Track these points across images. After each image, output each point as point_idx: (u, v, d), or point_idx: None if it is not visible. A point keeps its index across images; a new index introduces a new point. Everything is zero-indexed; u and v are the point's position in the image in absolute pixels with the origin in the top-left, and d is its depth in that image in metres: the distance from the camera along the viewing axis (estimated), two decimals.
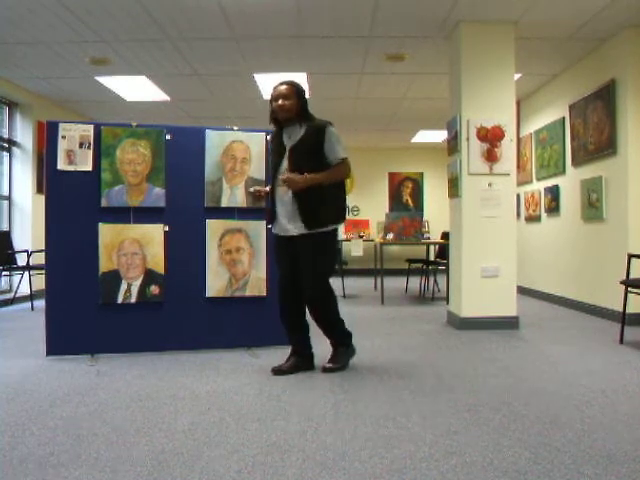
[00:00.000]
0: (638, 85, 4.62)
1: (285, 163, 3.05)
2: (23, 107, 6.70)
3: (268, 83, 6.24)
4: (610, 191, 4.91)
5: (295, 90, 3.05)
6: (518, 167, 6.74)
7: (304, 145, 3.02)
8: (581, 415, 2.38)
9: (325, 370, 3.12)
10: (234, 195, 3.76)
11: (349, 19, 4.52)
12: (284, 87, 3.05)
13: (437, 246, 7.09)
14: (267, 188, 3.39)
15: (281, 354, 3.27)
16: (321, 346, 3.29)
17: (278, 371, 3.09)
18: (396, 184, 10.72)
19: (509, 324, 4.51)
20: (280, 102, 3.02)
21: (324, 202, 3.02)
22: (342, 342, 3.21)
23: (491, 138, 4.52)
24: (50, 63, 5.51)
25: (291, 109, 3.02)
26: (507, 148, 4.54)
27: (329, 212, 3.05)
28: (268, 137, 3.80)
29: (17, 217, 6.70)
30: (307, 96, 3.14)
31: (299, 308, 3.16)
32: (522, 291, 6.33)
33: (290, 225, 3.04)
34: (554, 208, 6.08)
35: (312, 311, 3.12)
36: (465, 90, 4.56)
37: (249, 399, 2.65)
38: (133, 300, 3.59)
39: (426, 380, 2.98)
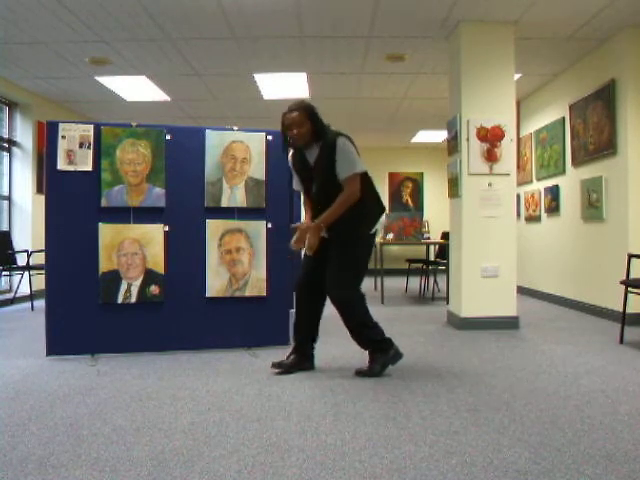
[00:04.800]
0: (638, 85, 4.62)
1: (315, 182, 3.02)
2: (23, 107, 6.70)
3: (268, 83, 6.26)
4: (610, 191, 4.91)
5: (306, 114, 2.92)
6: (518, 167, 6.75)
7: (321, 166, 2.95)
8: (581, 415, 2.38)
9: (356, 373, 3.07)
10: (234, 195, 3.76)
11: (349, 19, 4.52)
12: (295, 114, 2.91)
13: (437, 246, 7.09)
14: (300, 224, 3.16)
15: (281, 354, 3.27)
16: (321, 346, 3.28)
17: (278, 366, 3.08)
18: (396, 184, 10.72)
19: (509, 324, 4.51)
20: (295, 131, 2.92)
21: (347, 219, 2.94)
22: (373, 348, 3.08)
23: (491, 138, 4.52)
24: (50, 63, 5.51)
25: (306, 135, 2.94)
26: (507, 148, 4.54)
27: (356, 224, 2.97)
28: (269, 137, 3.80)
29: (17, 217, 6.70)
30: (317, 112, 2.97)
31: (313, 307, 3.11)
32: (522, 291, 6.34)
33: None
34: (554, 208, 6.08)
35: (338, 312, 3.04)
36: (465, 90, 4.55)
37: (249, 399, 2.65)
38: (133, 300, 3.59)
39: (426, 380, 2.98)
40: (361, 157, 2.99)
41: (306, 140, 2.96)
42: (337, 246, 2.98)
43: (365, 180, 3.01)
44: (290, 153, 3.16)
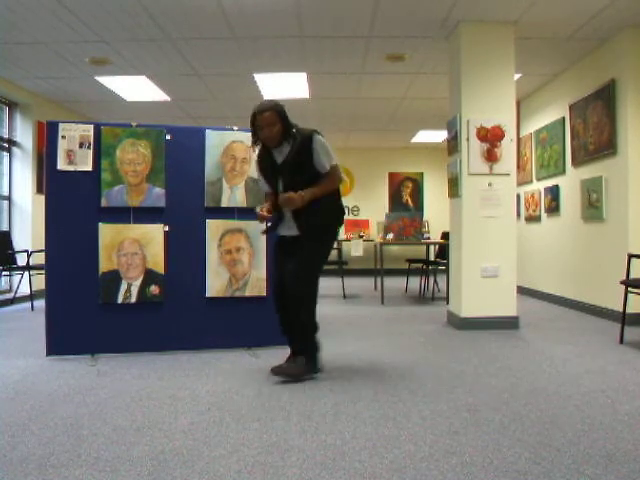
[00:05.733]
0: (638, 85, 4.62)
1: (281, 179, 3.05)
2: (23, 107, 6.70)
3: (268, 83, 6.26)
4: (610, 191, 4.91)
5: (278, 114, 2.95)
6: (518, 167, 6.74)
7: (294, 160, 2.98)
8: (581, 415, 2.38)
9: (273, 371, 3.00)
10: (234, 195, 3.76)
11: (349, 19, 4.52)
12: (268, 114, 2.92)
13: (437, 246, 7.09)
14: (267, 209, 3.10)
15: (281, 354, 3.27)
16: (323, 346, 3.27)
17: (278, 371, 3.08)
18: (396, 184, 10.72)
19: (509, 324, 4.51)
20: (267, 131, 2.95)
21: (319, 212, 3.00)
22: (303, 350, 3.07)
23: (491, 138, 4.52)
24: (50, 63, 5.51)
25: (278, 135, 2.97)
26: (507, 148, 4.54)
27: (325, 219, 3.06)
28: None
29: (17, 217, 6.70)
30: (286, 112, 3.00)
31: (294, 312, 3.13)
32: (522, 291, 6.33)
33: (294, 226, 3.04)
34: (554, 208, 6.08)
35: (293, 306, 3.01)
36: (465, 90, 4.55)
37: (249, 399, 2.65)
38: (133, 300, 3.59)
39: (426, 380, 2.98)
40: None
41: (278, 140, 2.99)
42: (306, 243, 3.00)
43: None
44: (257, 152, 3.17)
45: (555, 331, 4.44)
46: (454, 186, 4.72)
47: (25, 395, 2.70)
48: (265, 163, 3.12)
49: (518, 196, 6.66)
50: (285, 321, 3.13)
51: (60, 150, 3.51)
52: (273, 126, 2.95)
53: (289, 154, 3.00)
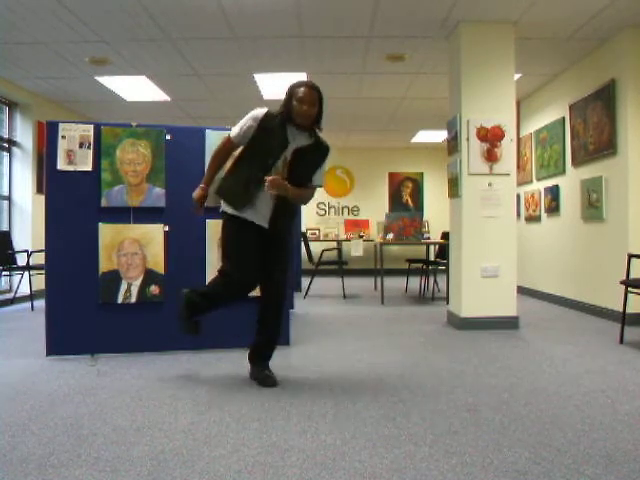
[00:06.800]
0: (638, 85, 4.62)
1: (281, 159, 2.87)
2: (23, 107, 6.70)
3: (268, 83, 6.26)
4: (610, 191, 4.91)
5: (320, 98, 2.94)
6: (518, 167, 6.75)
7: (308, 158, 2.92)
8: (581, 415, 2.38)
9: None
10: None
11: (349, 19, 4.52)
12: (316, 93, 2.91)
13: (437, 246, 7.09)
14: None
15: (281, 354, 3.27)
16: (321, 346, 3.28)
17: (274, 383, 2.93)
18: (396, 184, 10.72)
19: (509, 324, 4.51)
20: (308, 108, 2.88)
21: (293, 215, 3.08)
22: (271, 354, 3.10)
23: (491, 138, 4.52)
24: (50, 63, 5.51)
25: (312, 118, 2.92)
26: (507, 148, 4.54)
27: (293, 220, 3.15)
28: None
29: (17, 217, 6.70)
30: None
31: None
32: (522, 291, 6.33)
33: (266, 217, 2.89)
34: (554, 208, 6.08)
35: (276, 300, 2.97)
36: (465, 90, 4.55)
37: (249, 399, 2.65)
38: (133, 300, 3.59)
39: (426, 380, 2.98)
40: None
41: (309, 123, 2.92)
42: (283, 239, 2.99)
43: None
44: (264, 112, 3.00)
45: (555, 331, 4.44)
46: (454, 186, 4.72)
47: (25, 395, 2.70)
48: (277, 136, 2.89)
49: (518, 196, 6.67)
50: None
51: (60, 150, 3.51)
52: (313, 106, 2.91)
53: (306, 150, 2.90)
